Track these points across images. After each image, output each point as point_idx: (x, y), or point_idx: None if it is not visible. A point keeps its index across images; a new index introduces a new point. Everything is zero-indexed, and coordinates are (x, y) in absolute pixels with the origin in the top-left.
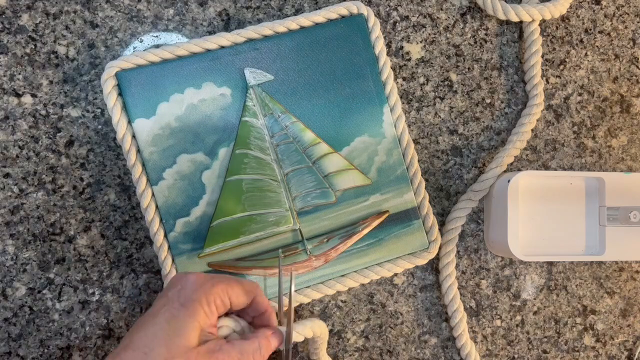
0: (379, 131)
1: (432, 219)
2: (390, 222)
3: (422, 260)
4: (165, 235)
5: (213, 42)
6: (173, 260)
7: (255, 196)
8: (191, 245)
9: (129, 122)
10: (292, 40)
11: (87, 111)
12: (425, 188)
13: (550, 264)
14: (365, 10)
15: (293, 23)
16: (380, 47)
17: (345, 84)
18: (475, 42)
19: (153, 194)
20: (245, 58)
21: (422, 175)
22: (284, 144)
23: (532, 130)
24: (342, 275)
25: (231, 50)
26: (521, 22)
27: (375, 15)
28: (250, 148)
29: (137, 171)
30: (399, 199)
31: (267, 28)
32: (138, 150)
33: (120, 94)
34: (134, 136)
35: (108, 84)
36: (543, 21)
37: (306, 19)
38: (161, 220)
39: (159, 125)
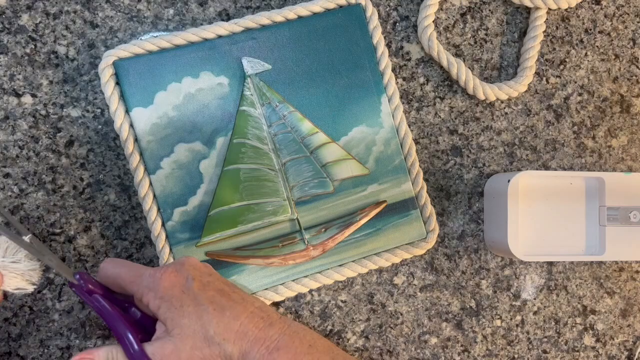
0: (377, 121)
1: (430, 209)
2: (388, 212)
3: (420, 251)
4: (163, 225)
5: (211, 31)
6: (171, 249)
7: (252, 185)
8: (189, 235)
9: (127, 111)
10: (290, 29)
11: (87, 111)
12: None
13: (550, 264)
14: (363, 0)
15: (291, 12)
16: (378, 36)
17: (343, 73)
18: (475, 42)
19: (151, 183)
20: (242, 47)
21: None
22: (282, 134)
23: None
24: (340, 265)
25: (229, 39)
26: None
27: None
28: (247, 137)
29: (134, 160)
30: (396, 189)
31: (265, 17)
32: (135, 140)
33: (117, 83)
34: (131, 125)
35: (105, 73)
36: (549, 11)
37: (304, 9)
38: (159, 209)
39: (156, 114)
